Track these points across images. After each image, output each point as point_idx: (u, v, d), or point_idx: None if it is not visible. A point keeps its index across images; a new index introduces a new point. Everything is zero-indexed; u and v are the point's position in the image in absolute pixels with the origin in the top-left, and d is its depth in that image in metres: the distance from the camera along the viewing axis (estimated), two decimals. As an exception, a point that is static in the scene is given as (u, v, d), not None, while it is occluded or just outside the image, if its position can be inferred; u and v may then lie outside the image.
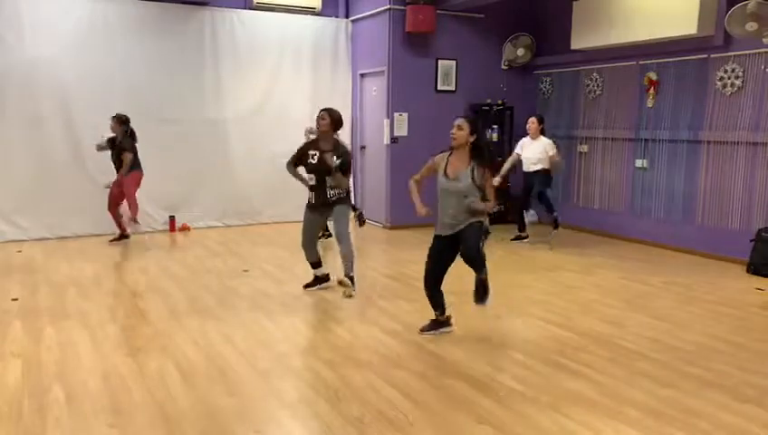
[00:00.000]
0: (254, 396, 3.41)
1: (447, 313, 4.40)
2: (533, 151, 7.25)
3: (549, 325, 4.60)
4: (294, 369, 3.79)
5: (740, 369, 3.85)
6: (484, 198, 4.08)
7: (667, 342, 4.31)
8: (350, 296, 5.22)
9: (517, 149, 7.46)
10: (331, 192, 5.13)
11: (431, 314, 4.72)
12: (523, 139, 7.44)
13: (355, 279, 5.35)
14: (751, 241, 6.29)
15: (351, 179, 5.23)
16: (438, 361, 3.93)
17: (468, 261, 4.05)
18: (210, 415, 3.17)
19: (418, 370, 3.77)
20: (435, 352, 4.06)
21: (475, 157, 4.11)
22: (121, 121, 6.98)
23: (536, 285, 5.72)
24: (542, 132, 7.32)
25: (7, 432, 2.99)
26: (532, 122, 7.28)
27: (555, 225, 7.39)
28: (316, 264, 5.45)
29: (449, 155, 4.22)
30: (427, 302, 4.26)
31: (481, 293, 4.11)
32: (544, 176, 7.31)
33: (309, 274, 6.12)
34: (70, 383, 3.51)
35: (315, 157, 5.09)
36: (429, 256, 4.25)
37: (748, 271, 6.27)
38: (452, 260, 4.19)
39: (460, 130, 4.12)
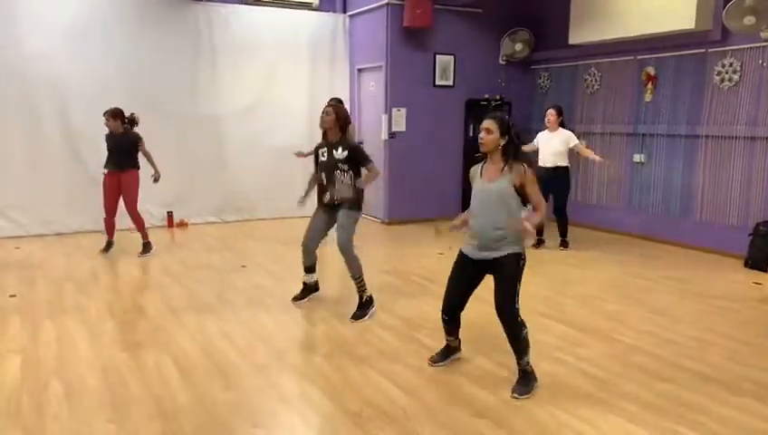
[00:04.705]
0: (252, 391, 3.41)
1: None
2: (552, 145, 6.83)
3: (547, 320, 4.60)
4: (293, 364, 3.79)
5: (738, 363, 3.86)
6: (524, 203, 3.41)
7: (665, 336, 4.32)
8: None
9: (534, 142, 7.02)
10: (340, 192, 4.70)
11: (429, 309, 4.72)
12: (540, 133, 7.04)
13: (371, 308, 4.73)
14: (749, 235, 6.30)
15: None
16: (436, 355, 3.93)
17: (499, 314, 3.39)
18: (208, 410, 3.18)
19: (416, 364, 3.77)
20: (432, 346, 4.05)
21: (508, 156, 3.44)
22: (115, 116, 6.33)
23: (534, 279, 5.71)
24: (562, 125, 6.93)
25: (6, 428, 2.99)
26: (551, 114, 6.85)
27: (563, 245, 7.08)
28: (310, 268, 5.01)
29: (483, 163, 3.56)
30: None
31: (522, 383, 3.44)
32: (564, 180, 6.88)
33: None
34: (68, 379, 3.51)
35: (324, 153, 4.80)
36: (450, 277, 3.62)
37: (746, 265, 6.28)
38: (476, 285, 3.59)
39: (489, 134, 3.41)
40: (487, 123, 3.44)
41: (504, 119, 3.50)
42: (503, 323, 3.39)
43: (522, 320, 3.40)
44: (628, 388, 3.48)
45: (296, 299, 5.09)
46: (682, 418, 3.13)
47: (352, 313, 4.68)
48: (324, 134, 4.81)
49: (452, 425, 3.04)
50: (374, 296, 4.80)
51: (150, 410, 3.16)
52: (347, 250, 4.66)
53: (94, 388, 3.41)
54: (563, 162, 6.86)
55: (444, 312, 3.68)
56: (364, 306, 4.73)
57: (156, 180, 6.55)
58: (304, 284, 5.09)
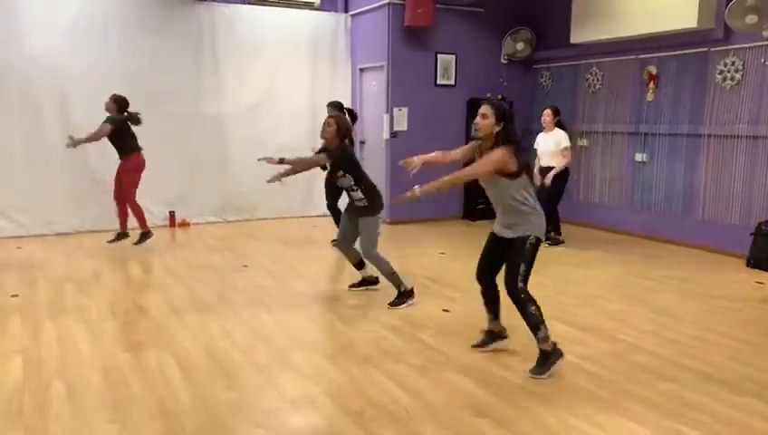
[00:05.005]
0: (253, 390, 3.41)
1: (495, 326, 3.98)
2: (546, 145, 6.97)
3: (549, 320, 4.55)
4: (294, 364, 3.79)
5: (740, 363, 3.85)
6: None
7: (668, 336, 4.31)
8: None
9: (535, 145, 7.16)
10: (354, 196, 4.92)
11: (431, 309, 4.71)
12: (539, 134, 7.15)
13: (409, 300, 4.87)
14: (751, 235, 6.29)
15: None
16: (439, 355, 3.92)
17: (505, 287, 3.61)
18: (210, 410, 3.17)
19: (419, 364, 3.77)
20: (435, 346, 4.05)
21: (498, 143, 3.48)
22: (115, 101, 6.47)
23: (536, 279, 5.68)
24: (559, 125, 6.99)
25: (8, 428, 2.99)
26: (547, 114, 6.98)
27: (550, 241, 7.00)
28: (357, 265, 5.23)
29: (480, 145, 3.65)
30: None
31: (539, 364, 3.60)
32: (559, 180, 6.91)
33: (308, 269, 6.14)
34: (70, 379, 3.51)
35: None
36: (484, 246, 3.83)
37: (748, 265, 6.27)
38: (505, 255, 3.71)
39: (484, 119, 3.46)
40: (484, 108, 3.50)
41: (502, 105, 3.56)
42: (508, 295, 3.59)
43: (527, 297, 3.56)
44: (630, 387, 3.47)
45: (352, 286, 5.31)
46: (684, 417, 3.13)
47: (391, 300, 4.86)
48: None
49: (454, 425, 3.04)
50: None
51: (152, 410, 3.15)
52: (369, 255, 4.91)
53: (96, 388, 3.40)
54: (555, 162, 6.91)
55: (476, 276, 3.85)
56: (402, 295, 4.87)
57: (68, 145, 6.46)
58: (362, 277, 5.30)
